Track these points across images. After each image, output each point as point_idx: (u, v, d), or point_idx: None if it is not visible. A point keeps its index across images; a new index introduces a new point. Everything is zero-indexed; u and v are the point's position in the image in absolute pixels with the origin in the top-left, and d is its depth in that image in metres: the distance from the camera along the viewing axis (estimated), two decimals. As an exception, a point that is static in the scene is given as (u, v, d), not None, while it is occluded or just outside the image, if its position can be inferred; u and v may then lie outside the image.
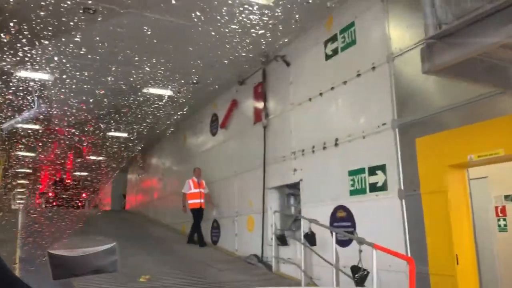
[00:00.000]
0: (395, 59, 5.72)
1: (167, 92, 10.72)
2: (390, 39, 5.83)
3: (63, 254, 1.24)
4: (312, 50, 7.43)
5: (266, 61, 8.60)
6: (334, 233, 5.56)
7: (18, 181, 29.36)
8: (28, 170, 24.22)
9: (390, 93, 5.71)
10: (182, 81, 10.01)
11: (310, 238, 6.12)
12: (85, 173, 26.07)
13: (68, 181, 25.11)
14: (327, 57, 7.04)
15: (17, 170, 23.56)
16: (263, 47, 8.30)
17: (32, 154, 19.28)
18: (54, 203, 23.02)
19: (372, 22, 6.19)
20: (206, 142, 11.82)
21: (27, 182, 29.64)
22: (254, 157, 8.94)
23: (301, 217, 6.89)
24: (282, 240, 7.45)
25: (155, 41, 7.78)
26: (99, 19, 6.93)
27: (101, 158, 20.61)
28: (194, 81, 9.98)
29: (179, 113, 12.52)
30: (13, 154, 18.19)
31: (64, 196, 23.28)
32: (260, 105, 8.85)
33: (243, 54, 8.57)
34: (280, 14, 7.02)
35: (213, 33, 7.57)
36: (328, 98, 6.95)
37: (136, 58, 8.56)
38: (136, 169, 20.22)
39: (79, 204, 24.00)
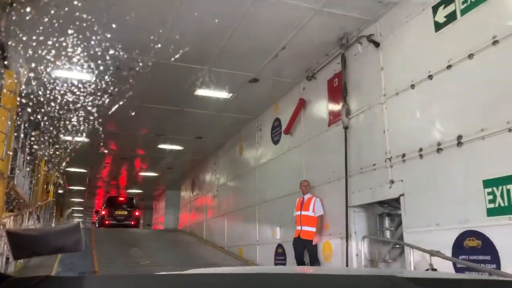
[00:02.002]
0: None
1: (221, 94, 9.21)
2: (552, -19, 3.90)
3: (23, 233, 1.09)
4: (414, 21, 5.57)
5: (346, 46, 6.83)
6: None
7: (73, 199, 29.31)
8: (81, 188, 23.79)
9: (559, 60, 3.76)
10: (237, 79, 8.45)
11: (434, 280, 4.18)
12: (139, 190, 25.32)
13: (122, 198, 24.33)
14: (438, 26, 5.15)
15: (70, 187, 23.18)
16: (340, 27, 6.59)
17: (84, 171, 18.61)
18: (107, 222, 22.21)
19: (517, -36, 4.29)
20: (267, 152, 10.13)
21: (82, 200, 29.47)
22: (331, 167, 7.13)
23: (409, 245, 4.94)
24: (377, 277, 5.51)
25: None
26: None
27: (154, 174, 19.60)
28: (252, 79, 8.39)
29: (233, 119, 10.97)
30: (64, 170, 17.52)
31: (116, 215, 22.47)
32: (338, 102, 7.06)
33: (314, 39, 6.89)
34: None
35: (272, 13, 5.96)
36: (441, 80, 5.04)
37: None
38: (189, 186, 18.91)
39: (132, 222, 23.03)
